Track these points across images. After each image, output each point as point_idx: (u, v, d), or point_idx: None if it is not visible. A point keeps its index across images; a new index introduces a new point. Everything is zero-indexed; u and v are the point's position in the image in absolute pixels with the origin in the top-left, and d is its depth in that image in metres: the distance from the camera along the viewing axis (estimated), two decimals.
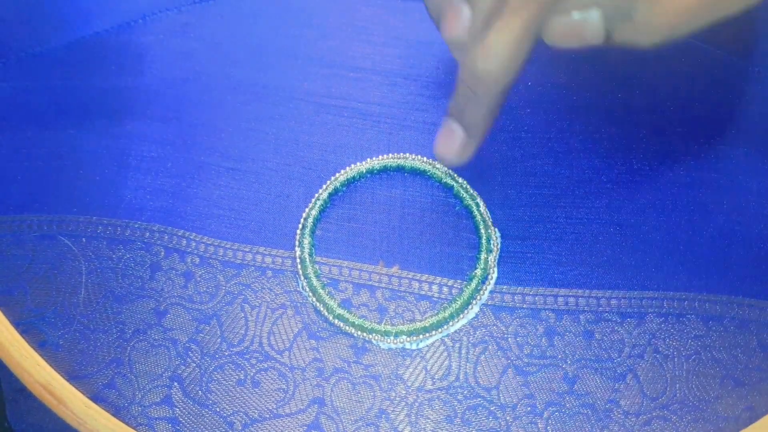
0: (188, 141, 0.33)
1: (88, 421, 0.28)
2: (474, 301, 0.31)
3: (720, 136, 0.33)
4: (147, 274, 0.31)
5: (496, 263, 0.31)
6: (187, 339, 0.30)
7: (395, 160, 0.33)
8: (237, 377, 0.30)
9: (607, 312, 0.30)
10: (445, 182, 0.32)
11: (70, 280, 0.31)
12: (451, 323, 0.30)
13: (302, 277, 0.31)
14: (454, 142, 0.28)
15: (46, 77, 0.35)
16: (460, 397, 0.30)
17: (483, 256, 0.31)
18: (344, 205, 0.32)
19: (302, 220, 0.32)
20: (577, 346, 0.30)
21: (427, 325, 0.30)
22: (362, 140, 0.33)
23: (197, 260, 0.31)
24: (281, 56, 0.35)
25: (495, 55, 0.25)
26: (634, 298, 0.30)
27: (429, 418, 0.29)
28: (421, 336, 0.30)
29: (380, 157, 0.33)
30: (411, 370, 0.30)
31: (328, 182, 0.32)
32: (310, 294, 0.31)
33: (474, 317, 0.31)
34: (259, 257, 0.31)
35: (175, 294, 0.31)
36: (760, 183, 0.32)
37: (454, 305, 0.30)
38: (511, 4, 0.24)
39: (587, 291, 0.31)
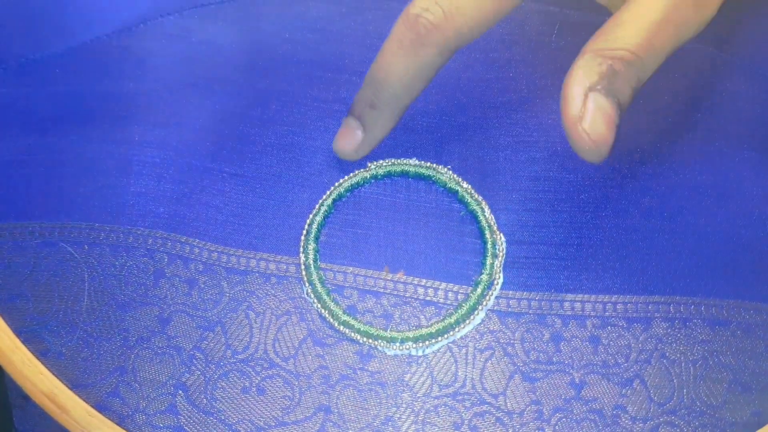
0: (191, 146, 0.33)
1: (92, 430, 0.28)
2: (480, 307, 0.30)
3: (725, 140, 0.33)
4: (150, 281, 0.31)
5: (501, 268, 0.31)
6: (191, 346, 0.30)
7: (399, 165, 0.32)
8: (242, 385, 0.30)
9: (613, 317, 0.30)
10: (450, 187, 0.32)
11: (72, 287, 0.31)
12: (457, 329, 0.30)
13: (307, 284, 0.31)
14: (353, 139, 0.31)
15: (47, 83, 0.34)
16: (467, 403, 0.29)
17: (488, 261, 0.31)
18: (348, 211, 0.32)
19: (306, 226, 0.32)
20: (584, 352, 0.30)
21: (432, 331, 0.30)
22: None
23: (201, 267, 0.31)
24: (284, 61, 0.35)
25: (393, 73, 0.29)
26: (641, 303, 0.30)
27: (436, 425, 0.29)
28: (426, 342, 0.30)
29: (384, 162, 0.33)
30: (417, 376, 0.30)
31: (332, 188, 0.32)
32: (315, 300, 0.31)
33: (480, 323, 0.30)
34: (263, 263, 0.31)
35: (179, 301, 0.31)
36: (766, 186, 0.32)
37: (459, 311, 0.30)
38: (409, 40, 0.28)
39: (593, 296, 0.31)
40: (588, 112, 0.25)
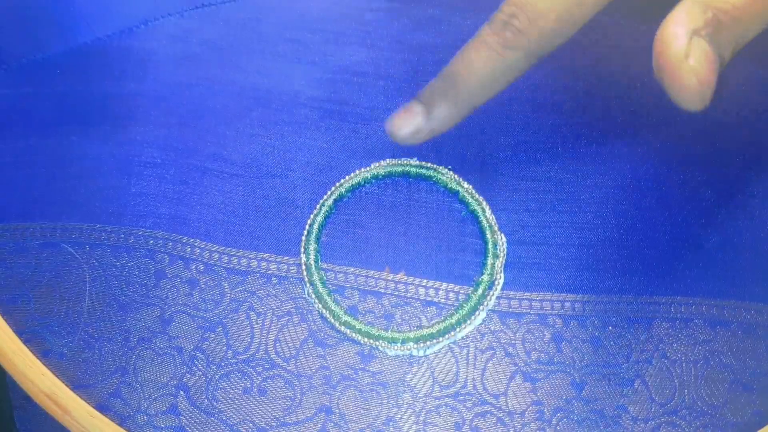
0: (192, 147, 0.33)
1: (94, 431, 0.28)
2: (481, 307, 0.30)
3: (727, 141, 0.33)
4: (151, 282, 0.31)
5: (502, 269, 0.31)
6: (192, 347, 0.30)
7: (400, 165, 0.32)
8: (243, 385, 0.30)
9: (614, 317, 0.30)
10: (451, 187, 0.32)
11: (74, 288, 0.31)
12: (458, 329, 0.30)
13: (308, 284, 0.31)
14: (414, 123, 0.29)
15: (48, 83, 0.34)
16: (468, 404, 0.29)
17: (489, 261, 0.31)
18: (349, 211, 0.32)
19: (307, 227, 0.32)
20: (585, 352, 0.30)
21: (434, 331, 0.30)
22: (367, 145, 0.33)
23: (202, 267, 0.31)
24: (284, 61, 0.35)
25: (475, 70, 0.27)
26: (642, 303, 0.30)
27: (437, 426, 0.29)
28: (428, 342, 0.30)
29: (385, 162, 0.33)
30: (418, 377, 0.30)
31: (333, 188, 0.32)
32: (316, 301, 0.31)
33: (481, 323, 0.30)
34: (264, 264, 0.31)
35: (180, 302, 0.31)
36: (766, 186, 0.32)
37: (461, 311, 0.30)
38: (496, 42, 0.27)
39: (594, 296, 0.31)
40: (693, 51, 0.23)
